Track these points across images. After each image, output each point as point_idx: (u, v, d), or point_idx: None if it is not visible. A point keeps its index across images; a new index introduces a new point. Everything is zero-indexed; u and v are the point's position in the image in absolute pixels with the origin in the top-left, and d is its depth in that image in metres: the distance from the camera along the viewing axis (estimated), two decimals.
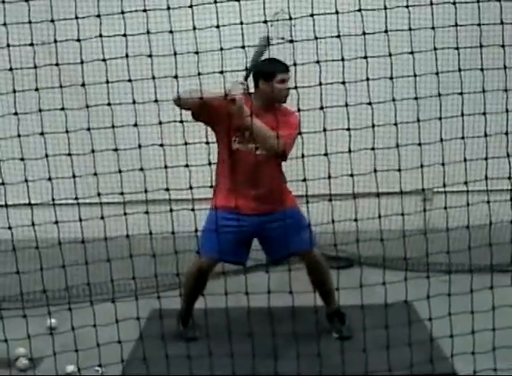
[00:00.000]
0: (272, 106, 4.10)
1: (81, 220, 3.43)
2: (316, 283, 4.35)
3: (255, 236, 4.34)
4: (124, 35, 3.21)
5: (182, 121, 3.32)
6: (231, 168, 4.12)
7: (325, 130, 3.26)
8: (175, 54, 3.24)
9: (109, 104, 3.38)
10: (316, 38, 3.11)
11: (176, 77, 3.24)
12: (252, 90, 4.12)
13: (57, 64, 3.33)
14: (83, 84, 3.36)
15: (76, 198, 3.43)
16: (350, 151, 3.24)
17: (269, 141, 3.92)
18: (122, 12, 3.18)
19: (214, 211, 4.17)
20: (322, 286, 4.37)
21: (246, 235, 4.26)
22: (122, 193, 3.48)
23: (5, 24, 3.34)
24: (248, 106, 3.83)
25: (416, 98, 3.31)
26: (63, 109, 3.44)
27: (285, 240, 4.08)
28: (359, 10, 3.11)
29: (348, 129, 3.22)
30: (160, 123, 3.35)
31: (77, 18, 3.17)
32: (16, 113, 3.40)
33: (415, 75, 3.22)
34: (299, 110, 3.26)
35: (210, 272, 4.31)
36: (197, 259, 4.24)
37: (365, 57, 3.19)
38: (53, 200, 3.44)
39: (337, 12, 3.10)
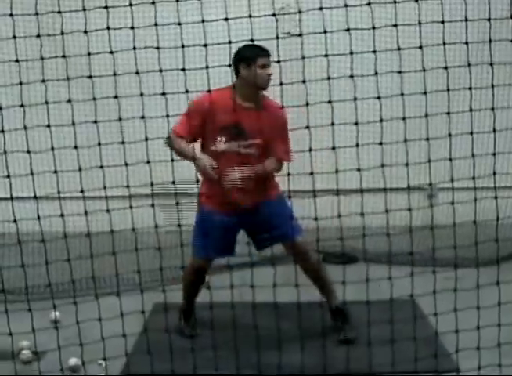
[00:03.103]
0: (255, 95, 4.04)
1: (86, 213, 3.42)
2: (308, 274, 4.28)
3: (243, 227, 4.31)
4: (132, 28, 3.20)
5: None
6: (216, 168, 3.99)
7: (332, 124, 3.24)
8: (183, 47, 3.23)
9: (115, 97, 3.36)
10: (325, 32, 3.09)
11: (184, 69, 3.22)
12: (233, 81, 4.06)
13: (64, 56, 3.31)
14: (89, 77, 3.34)
15: (81, 191, 3.41)
16: (357, 146, 3.22)
17: (279, 169, 4.13)
18: (130, 5, 3.15)
19: (201, 211, 4.16)
20: (315, 277, 4.30)
21: (234, 230, 4.26)
22: (128, 187, 3.46)
23: (11, 15, 3.32)
24: (224, 100, 3.86)
25: (425, 93, 3.28)
26: (69, 101, 3.42)
27: (270, 229, 4.16)
28: (369, 4, 3.09)
29: (356, 124, 3.21)
30: (167, 116, 3.33)
31: (84, 10, 3.16)
32: (21, 106, 3.38)
33: (423, 70, 3.20)
34: (307, 105, 3.24)
35: (207, 270, 4.33)
36: (192, 258, 4.27)
37: (374, 51, 3.18)
38: (58, 193, 3.43)
39: (346, 6, 3.08)
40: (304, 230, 4.25)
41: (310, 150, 3.35)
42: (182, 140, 3.96)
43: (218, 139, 4.01)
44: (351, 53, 3.15)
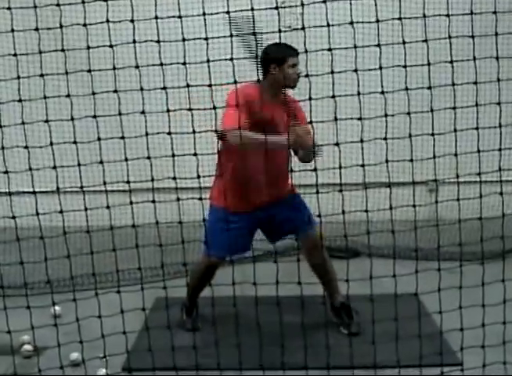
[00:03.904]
0: (280, 92, 4.03)
1: (86, 209, 3.39)
2: (316, 268, 4.32)
3: (261, 223, 4.29)
4: (132, 21, 3.15)
5: (190, 109, 3.26)
6: (242, 166, 4.00)
7: (336, 119, 3.20)
8: (184, 40, 3.19)
9: (115, 91, 3.32)
10: (328, 25, 3.04)
11: (184, 63, 3.18)
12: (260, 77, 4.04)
13: (63, 50, 3.27)
14: (89, 71, 3.30)
15: (81, 187, 3.37)
16: (362, 141, 3.18)
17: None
18: None
19: (220, 209, 4.06)
20: (323, 271, 4.32)
21: (252, 227, 4.27)
22: (128, 182, 3.43)
23: (9, 8, 3.27)
24: (258, 95, 3.81)
25: (429, 87, 3.24)
26: (68, 96, 3.37)
27: (286, 221, 4.18)
28: None
29: (360, 119, 3.16)
30: (168, 111, 3.28)
31: (83, 2, 3.11)
32: (20, 100, 3.34)
33: (428, 64, 3.15)
34: (310, 99, 3.19)
35: (219, 268, 4.31)
36: (206, 257, 4.25)
37: (378, 45, 3.13)
38: (58, 188, 3.40)
39: None
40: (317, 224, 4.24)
41: (313, 145, 3.32)
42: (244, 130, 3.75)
43: None
44: (355, 47, 3.10)
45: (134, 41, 3.20)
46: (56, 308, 4.25)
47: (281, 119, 4.00)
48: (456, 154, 3.35)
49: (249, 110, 3.83)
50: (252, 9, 3.03)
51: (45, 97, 3.34)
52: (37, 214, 3.40)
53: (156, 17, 3.16)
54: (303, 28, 3.04)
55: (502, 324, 3.44)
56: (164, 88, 3.21)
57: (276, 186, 4.16)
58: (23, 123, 3.39)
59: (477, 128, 3.34)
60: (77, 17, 3.25)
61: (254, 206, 4.15)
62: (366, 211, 3.26)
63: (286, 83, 3.94)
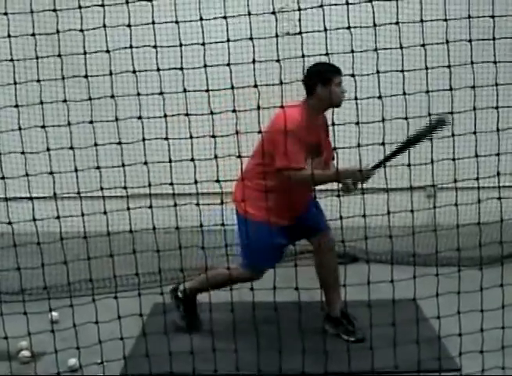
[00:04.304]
0: (323, 111, 4.11)
1: (83, 214, 3.38)
2: (324, 273, 4.29)
3: (291, 231, 4.27)
4: (129, 26, 3.15)
5: (187, 114, 3.26)
6: (287, 185, 3.96)
7: (333, 124, 3.20)
8: (181, 45, 3.18)
9: (112, 96, 3.32)
10: (326, 30, 3.04)
11: (181, 68, 3.17)
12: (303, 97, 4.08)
13: (60, 55, 3.26)
14: (86, 76, 3.29)
15: (78, 192, 3.37)
16: (359, 146, 3.18)
17: None
18: (127, 2, 3.11)
19: (264, 224, 3.95)
20: (332, 277, 4.29)
21: (287, 237, 4.25)
22: (125, 187, 3.42)
23: (5, 14, 3.27)
24: (304, 120, 3.86)
25: (427, 92, 3.24)
26: (65, 101, 3.37)
27: (306, 223, 4.24)
28: (370, 1, 3.04)
29: (357, 123, 3.16)
30: (165, 116, 3.28)
31: (80, 8, 3.11)
32: (16, 106, 3.34)
33: (426, 68, 3.15)
34: None
35: None
36: (247, 271, 4.18)
37: (376, 50, 3.13)
38: (55, 194, 3.39)
39: (347, 3, 3.03)
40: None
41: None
42: (308, 169, 3.83)
43: None
44: (352, 52, 3.10)
45: (131, 47, 3.19)
46: (54, 313, 4.24)
47: (323, 139, 4.10)
48: (453, 159, 3.35)
49: (299, 138, 3.83)
50: (249, 14, 3.02)
51: (41, 103, 3.34)
52: (35, 219, 3.39)
53: (153, 22, 3.16)
54: (300, 33, 3.04)
55: (501, 329, 3.44)
56: (161, 93, 3.20)
57: (310, 194, 4.15)
58: (19, 128, 3.39)
59: (474, 133, 3.34)
60: (75, 23, 3.24)
61: (296, 216, 4.17)
62: (364, 215, 3.25)
63: (333, 102, 3.90)
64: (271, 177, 3.93)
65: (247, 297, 3.46)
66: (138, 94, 3.28)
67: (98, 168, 3.35)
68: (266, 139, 3.80)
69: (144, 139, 3.37)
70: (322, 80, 3.97)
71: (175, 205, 3.42)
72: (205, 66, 3.12)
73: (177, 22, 3.17)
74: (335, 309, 4.35)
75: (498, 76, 3.32)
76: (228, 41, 3.08)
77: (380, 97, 3.15)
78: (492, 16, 3.12)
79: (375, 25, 3.02)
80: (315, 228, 4.28)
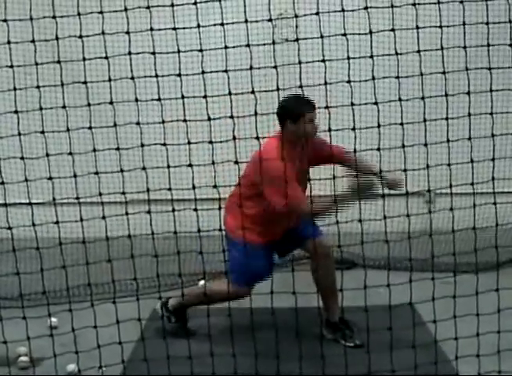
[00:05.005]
0: (300, 141, 4.01)
1: (82, 220, 3.40)
2: (321, 279, 4.25)
3: (280, 244, 4.32)
4: (127, 33, 3.18)
5: (185, 120, 3.28)
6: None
7: (330, 129, 3.22)
8: (179, 52, 3.21)
9: (111, 103, 3.34)
10: (322, 37, 3.06)
11: (179, 75, 3.20)
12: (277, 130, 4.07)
13: (59, 62, 3.29)
14: (85, 82, 3.32)
15: (77, 198, 3.39)
16: (355, 151, 3.20)
17: None
18: (125, 9, 3.13)
19: (250, 243, 3.90)
20: (329, 282, 4.25)
21: (275, 251, 4.31)
22: (124, 193, 3.44)
23: (5, 21, 3.29)
24: (278, 150, 3.81)
25: (422, 98, 3.26)
26: (64, 107, 3.39)
27: (295, 234, 4.20)
28: (366, 8, 3.07)
29: (354, 129, 3.18)
30: (163, 122, 3.30)
31: (79, 15, 3.13)
32: (16, 112, 3.36)
33: (421, 74, 3.18)
34: None
35: None
36: (238, 288, 4.11)
37: (372, 56, 3.15)
38: (54, 199, 3.41)
39: (343, 10, 3.06)
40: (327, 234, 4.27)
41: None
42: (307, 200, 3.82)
43: None
44: (349, 58, 3.12)
45: (129, 53, 3.22)
46: (53, 319, 4.24)
47: (307, 161, 4.06)
48: (449, 164, 3.37)
49: (285, 176, 3.65)
50: (246, 21, 3.05)
51: (41, 108, 3.36)
52: (34, 225, 3.41)
53: (152, 29, 3.18)
54: (297, 40, 3.07)
55: (497, 333, 3.45)
56: (159, 99, 3.22)
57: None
58: (19, 134, 3.41)
59: (469, 138, 3.36)
60: (74, 29, 3.26)
61: (283, 232, 4.19)
62: (360, 220, 3.27)
63: (305, 137, 3.91)
64: (255, 200, 4.00)
65: (245, 302, 3.48)
66: (137, 100, 3.30)
67: (97, 173, 3.37)
68: (251, 179, 3.93)
69: (142, 145, 3.39)
70: (291, 117, 3.93)
71: (174, 211, 3.43)
72: (203, 72, 3.15)
73: (175, 29, 3.20)
74: (333, 315, 4.35)
75: (494, 82, 3.35)
76: (225, 47, 3.11)
77: (376, 103, 3.17)
78: (487, 23, 3.15)
79: (371, 32, 3.05)
80: (307, 236, 4.18)
